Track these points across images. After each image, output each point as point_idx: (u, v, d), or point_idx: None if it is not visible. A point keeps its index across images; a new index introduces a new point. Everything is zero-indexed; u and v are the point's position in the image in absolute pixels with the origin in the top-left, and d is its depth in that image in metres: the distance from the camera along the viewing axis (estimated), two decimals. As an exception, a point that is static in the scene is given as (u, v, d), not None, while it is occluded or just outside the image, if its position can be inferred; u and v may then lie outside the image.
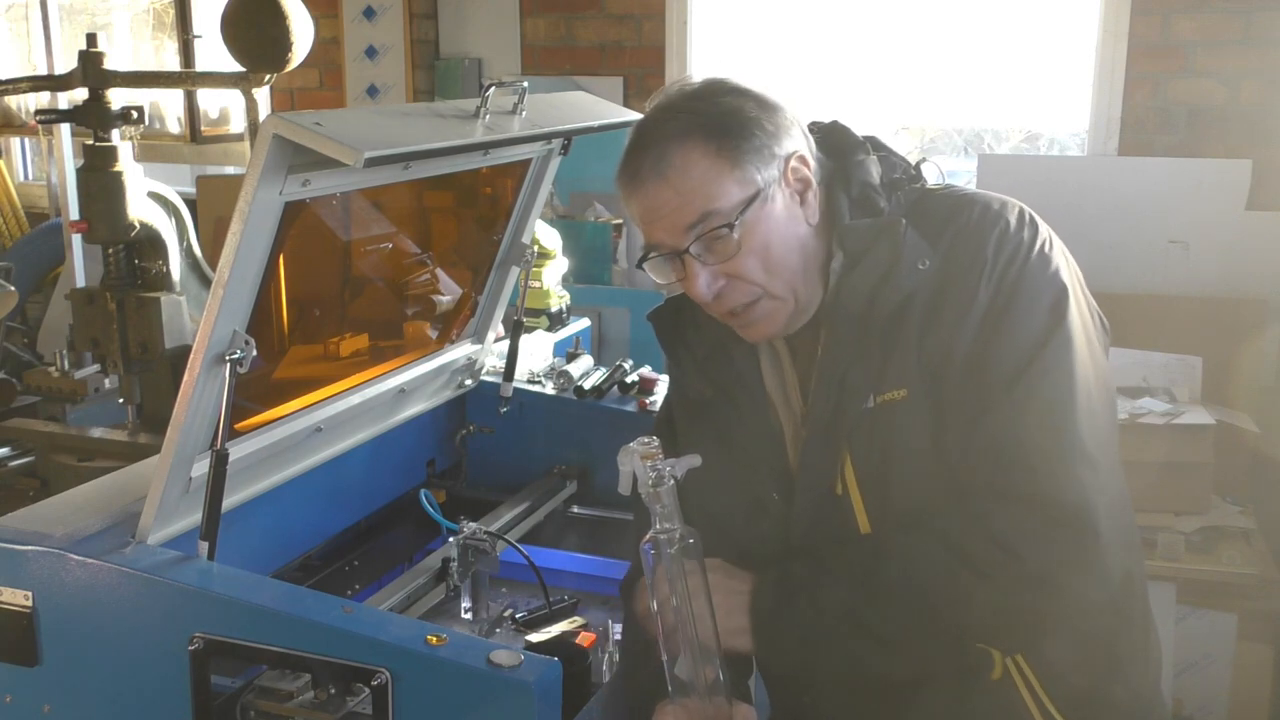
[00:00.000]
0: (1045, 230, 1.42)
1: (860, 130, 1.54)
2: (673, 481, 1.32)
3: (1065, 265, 1.40)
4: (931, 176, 1.51)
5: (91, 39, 2.34)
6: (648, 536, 1.32)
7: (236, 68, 2.36)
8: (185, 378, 1.49)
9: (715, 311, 1.45)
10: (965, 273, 1.37)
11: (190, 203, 3.06)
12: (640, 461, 1.32)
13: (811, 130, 1.49)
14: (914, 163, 1.51)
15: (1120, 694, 1.46)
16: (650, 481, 1.31)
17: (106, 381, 2.59)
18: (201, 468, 1.58)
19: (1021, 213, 1.42)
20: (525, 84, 1.84)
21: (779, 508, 1.48)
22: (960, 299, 1.36)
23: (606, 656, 1.83)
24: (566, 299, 3.02)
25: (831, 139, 1.51)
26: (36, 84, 2.60)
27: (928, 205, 1.45)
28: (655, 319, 1.63)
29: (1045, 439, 1.33)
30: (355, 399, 1.97)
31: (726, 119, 1.38)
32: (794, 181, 1.42)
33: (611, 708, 1.57)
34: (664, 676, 1.36)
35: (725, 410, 1.52)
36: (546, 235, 2.89)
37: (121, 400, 2.43)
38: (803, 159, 1.43)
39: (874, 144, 1.52)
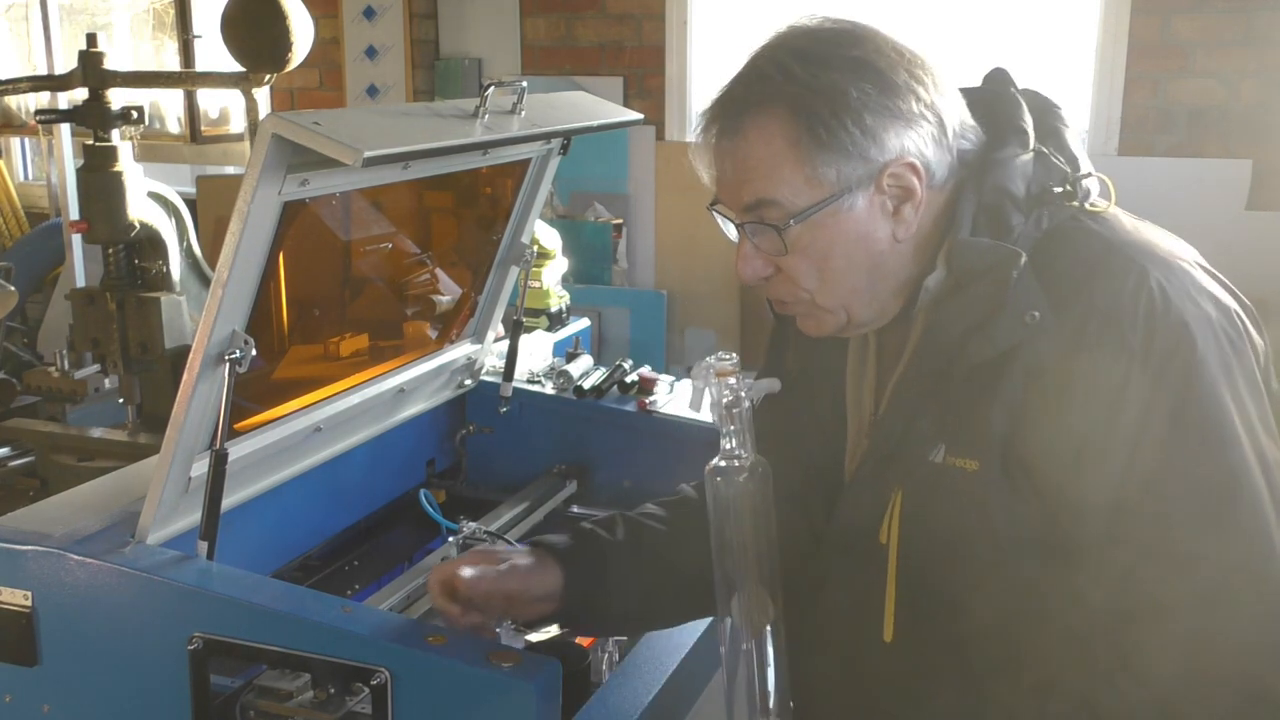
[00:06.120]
0: (1217, 311, 1.24)
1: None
2: (748, 404, 1.22)
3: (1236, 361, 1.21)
4: (1095, 191, 1.27)
5: (91, 39, 2.35)
6: (713, 462, 1.23)
7: (236, 68, 2.36)
8: (185, 378, 1.49)
9: (762, 293, 1.31)
10: (1110, 355, 1.12)
11: (190, 203, 3.06)
12: (715, 379, 1.21)
13: (974, 92, 1.29)
14: (1081, 172, 1.26)
15: None
16: (725, 402, 1.21)
17: (106, 381, 2.59)
18: (201, 468, 1.58)
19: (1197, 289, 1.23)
20: (525, 84, 1.83)
21: (819, 514, 1.34)
22: (1098, 385, 1.12)
23: (606, 656, 1.82)
24: (566, 299, 3.02)
25: (993, 112, 1.27)
26: (36, 84, 2.61)
27: (1063, 244, 1.20)
28: None
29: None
30: (355, 399, 1.97)
31: (820, 103, 1.16)
32: (891, 189, 1.20)
33: (612, 708, 1.57)
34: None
35: (804, 391, 1.38)
36: (546, 235, 2.89)
37: (121, 400, 2.43)
38: (912, 165, 1.18)
39: (1048, 130, 1.29)
